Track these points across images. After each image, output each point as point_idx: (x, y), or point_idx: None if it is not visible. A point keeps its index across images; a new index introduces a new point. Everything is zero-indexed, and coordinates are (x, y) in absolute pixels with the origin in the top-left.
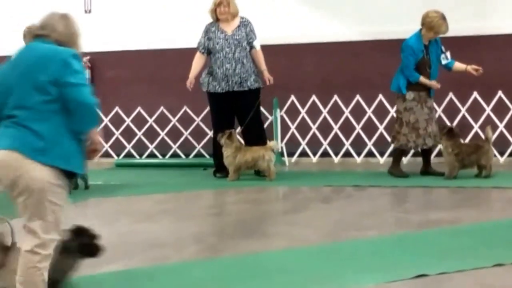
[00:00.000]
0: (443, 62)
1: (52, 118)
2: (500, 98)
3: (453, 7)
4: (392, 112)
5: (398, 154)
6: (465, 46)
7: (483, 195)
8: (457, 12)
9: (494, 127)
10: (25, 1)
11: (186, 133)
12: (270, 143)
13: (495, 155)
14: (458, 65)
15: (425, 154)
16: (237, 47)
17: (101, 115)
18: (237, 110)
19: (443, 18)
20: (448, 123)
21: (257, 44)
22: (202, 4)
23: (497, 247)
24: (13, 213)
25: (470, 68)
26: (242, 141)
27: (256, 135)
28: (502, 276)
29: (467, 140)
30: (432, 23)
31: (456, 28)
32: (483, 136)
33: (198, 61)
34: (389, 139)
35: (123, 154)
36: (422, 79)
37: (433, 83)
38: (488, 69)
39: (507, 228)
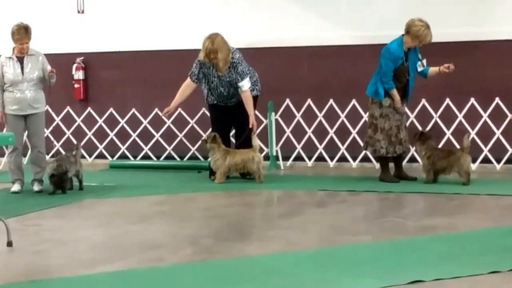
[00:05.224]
0: (419, 69)
1: None
2: (497, 104)
3: (451, 13)
4: None
5: (382, 160)
6: (463, 51)
7: (479, 202)
8: (455, 17)
9: (491, 134)
10: (18, 0)
11: (180, 135)
12: (254, 143)
13: (491, 162)
14: (432, 70)
15: (396, 159)
16: (230, 87)
17: (95, 116)
18: (234, 120)
19: (428, 27)
20: (445, 129)
21: (243, 85)
22: (196, 5)
23: (492, 254)
24: (8, 212)
25: (442, 68)
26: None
27: (248, 141)
28: (498, 283)
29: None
30: (419, 32)
31: (454, 33)
32: (480, 143)
33: (185, 89)
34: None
35: (117, 156)
36: (394, 91)
37: (397, 100)
38: (486, 75)
39: (502, 235)
